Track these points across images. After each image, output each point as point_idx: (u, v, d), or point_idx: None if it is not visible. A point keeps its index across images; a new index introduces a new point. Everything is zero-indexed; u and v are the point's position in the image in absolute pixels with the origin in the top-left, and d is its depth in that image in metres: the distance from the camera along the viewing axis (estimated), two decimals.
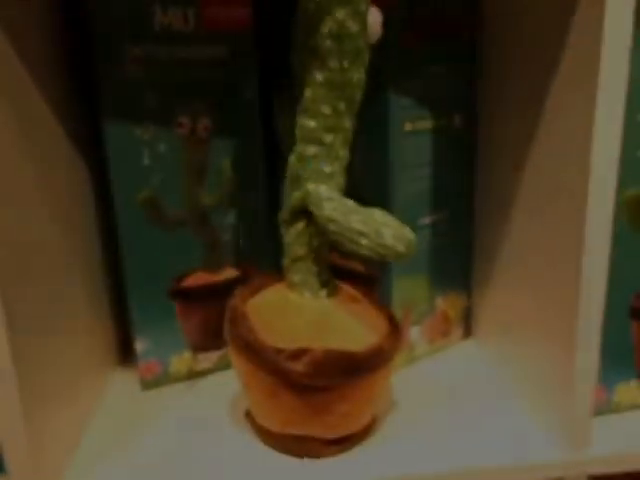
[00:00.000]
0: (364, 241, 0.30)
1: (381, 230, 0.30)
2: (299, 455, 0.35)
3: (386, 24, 0.38)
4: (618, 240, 0.34)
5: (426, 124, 0.41)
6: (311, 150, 0.33)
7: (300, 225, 0.34)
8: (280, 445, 0.36)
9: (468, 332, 0.50)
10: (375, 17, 0.32)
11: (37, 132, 0.35)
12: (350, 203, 0.32)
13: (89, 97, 0.44)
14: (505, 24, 0.40)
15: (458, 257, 0.47)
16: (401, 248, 0.29)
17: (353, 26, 0.30)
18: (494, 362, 0.46)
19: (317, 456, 0.35)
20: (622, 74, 0.29)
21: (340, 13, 0.30)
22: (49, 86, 0.37)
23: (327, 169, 0.34)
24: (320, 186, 0.33)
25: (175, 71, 0.40)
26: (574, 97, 0.31)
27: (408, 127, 0.40)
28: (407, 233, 0.30)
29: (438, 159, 0.43)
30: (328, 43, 0.31)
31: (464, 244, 0.47)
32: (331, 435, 0.35)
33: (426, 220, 0.44)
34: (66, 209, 0.39)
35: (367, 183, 0.43)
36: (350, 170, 0.42)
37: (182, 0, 0.39)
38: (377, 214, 0.31)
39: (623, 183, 0.33)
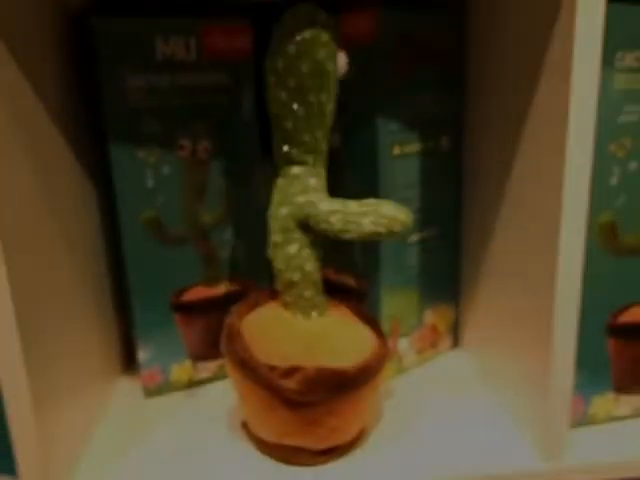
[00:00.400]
0: (367, 219, 0.33)
1: (380, 206, 0.33)
2: (292, 464, 0.37)
3: (375, 55, 0.40)
4: (593, 263, 0.36)
5: (414, 148, 0.44)
6: (296, 170, 0.36)
7: (292, 248, 0.36)
8: (275, 454, 0.38)
9: (456, 343, 0.53)
10: (342, 58, 0.35)
11: (48, 156, 0.37)
12: (341, 199, 0.35)
13: (95, 123, 0.46)
14: (488, 53, 0.42)
15: (446, 272, 0.50)
16: (403, 216, 0.33)
17: (330, 65, 0.33)
18: (480, 373, 0.48)
19: (308, 465, 0.37)
20: (591, 107, 0.31)
21: (320, 54, 0.33)
22: (60, 114, 0.39)
23: (312, 182, 0.36)
24: (310, 195, 0.36)
25: (176, 97, 0.42)
26: (548, 125, 0.34)
27: (397, 151, 0.42)
28: (403, 207, 0.33)
29: (426, 180, 0.45)
30: (309, 81, 0.33)
31: (452, 259, 0.50)
32: (321, 446, 0.37)
33: (415, 237, 0.46)
34: (75, 228, 0.41)
35: None
36: (343, 191, 0.44)
37: (184, 30, 0.41)
38: (370, 199, 0.34)
39: (596, 209, 0.35)
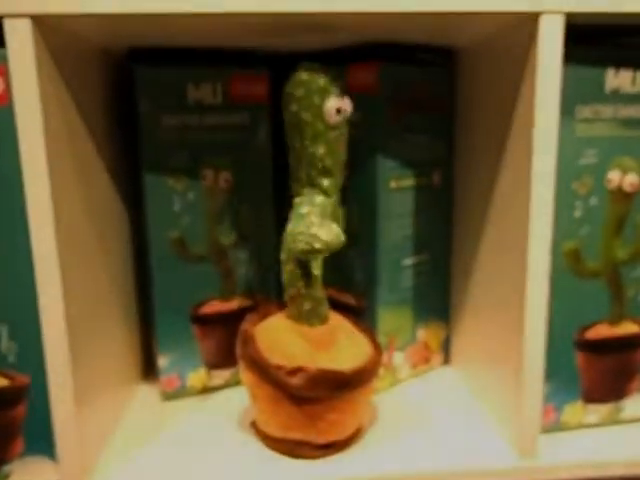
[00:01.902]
0: (301, 237, 0.38)
1: (315, 227, 0.38)
2: (295, 457, 0.42)
3: (377, 102, 0.46)
4: (561, 285, 0.42)
5: (409, 182, 0.50)
6: (296, 200, 0.42)
7: (290, 267, 0.42)
8: (280, 448, 0.43)
9: (447, 359, 0.58)
10: (331, 105, 0.39)
11: (93, 183, 0.43)
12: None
13: (131, 155, 0.53)
14: (472, 102, 0.48)
15: (438, 293, 0.55)
16: (324, 236, 0.38)
17: (307, 116, 0.39)
18: (468, 386, 0.53)
19: (309, 458, 0.42)
20: (552, 152, 0.37)
21: (293, 107, 0.40)
22: (103, 147, 0.46)
23: (303, 211, 0.41)
24: (298, 221, 0.41)
25: (203, 134, 0.49)
26: (518, 166, 0.39)
27: (393, 185, 0.49)
28: (336, 230, 0.38)
29: (419, 211, 0.51)
30: (289, 128, 0.41)
31: (443, 282, 0.55)
32: (322, 440, 0.42)
33: (409, 261, 0.52)
34: (111, 245, 0.47)
35: (360, 229, 0.51)
36: (348, 219, 0.51)
37: (212, 78, 0.48)
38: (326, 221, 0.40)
39: (563, 237, 0.41)
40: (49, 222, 0.35)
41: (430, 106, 0.51)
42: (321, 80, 0.39)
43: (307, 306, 0.42)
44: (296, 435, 0.41)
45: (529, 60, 0.36)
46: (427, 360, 0.56)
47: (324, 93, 0.39)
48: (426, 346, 0.55)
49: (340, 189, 0.43)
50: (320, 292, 0.43)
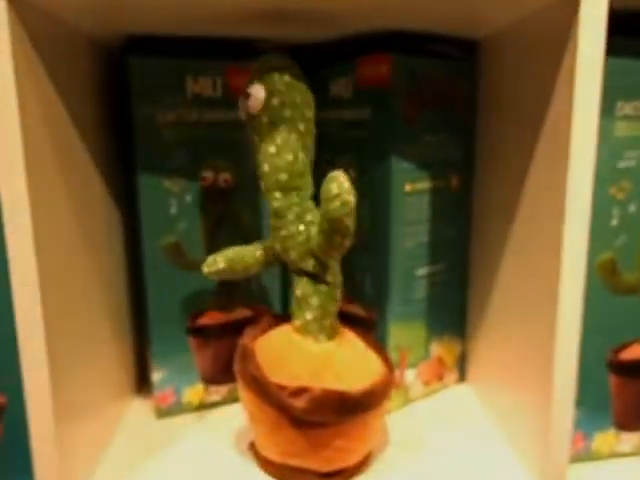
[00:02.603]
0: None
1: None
2: None
3: (389, 98, 0.43)
4: (594, 300, 0.38)
5: (424, 185, 0.46)
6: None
7: (303, 280, 0.38)
8: (280, 475, 0.39)
9: (462, 376, 0.54)
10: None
11: (81, 182, 0.40)
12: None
13: (123, 153, 0.49)
14: (496, 99, 0.44)
15: (453, 306, 0.51)
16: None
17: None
18: (485, 406, 0.49)
19: None
20: (590, 154, 0.33)
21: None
22: (93, 144, 0.42)
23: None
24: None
25: (203, 131, 0.45)
26: (550, 168, 0.36)
27: (408, 188, 0.45)
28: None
29: (435, 216, 0.47)
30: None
31: (459, 294, 0.51)
32: (326, 468, 0.38)
33: (424, 271, 0.48)
34: (102, 251, 0.43)
35: (371, 236, 0.47)
36: (357, 224, 0.47)
37: (212, 70, 0.45)
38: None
39: (597, 248, 0.37)
40: (26, 225, 0.31)
41: (449, 103, 0.47)
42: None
43: (317, 318, 0.38)
44: (298, 462, 0.38)
45: (567, 48, 0.32)
46: (441, 377, 0.52)
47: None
48: (440, 362, 0.51)
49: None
50: (332, 304, 0.39)
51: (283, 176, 0.37)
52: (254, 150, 0.39)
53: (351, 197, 0.34)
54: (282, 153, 0.37)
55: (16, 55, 0.30)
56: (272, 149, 0.37)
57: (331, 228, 0.35)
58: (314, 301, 0.38)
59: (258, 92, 0.36)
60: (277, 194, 0.38)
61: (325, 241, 0.36)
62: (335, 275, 0.39)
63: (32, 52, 0.32)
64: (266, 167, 0.38)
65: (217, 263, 0.40)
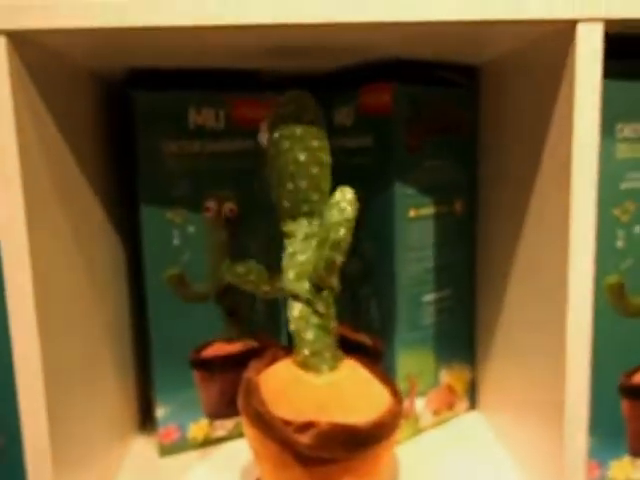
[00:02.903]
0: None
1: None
2: None
3: (392, 125, 0.43)
4: (604, 324, 0.37)
5: (429, 210, 0.46)
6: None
7: (296, 311, 0.38)
8: None
9: (473, 404, 0.52)
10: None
11: (82, 214, 0.39)
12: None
13: (126, 184, 0.49)
14: (498, 125, 0.45)
15: (461, 332, 0.50)
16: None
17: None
18: (496, 436, 0.48)
19: None
20: (592, 176, 0.32)
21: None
22: (95, 176, 0.42)
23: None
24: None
25: (206, 162, 0.45)
26: (553, 193, 0.35)
27: (412, 214, 0.44)
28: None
29: (440, 242, 0.47)
30: None
31: (466, 320, 0.51)
32: None
33: (430, 297, 0.47)
34: (103, 284, 0.43)
35: (376, 263, 0.46)
36: (362, 252, 0.46)
37: (214, 102, 0.45)
38: None
39: (604, 271, 0.37)
40: (25, 262, 0.31)
41: (451, 129, 0.47)
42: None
43: (316, 351, 0.38)
44: None
45: (565, 74, 0.32)
46: (451, 406, 0.51)
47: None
48: (450, 390, 0.50)
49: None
50: (327, 336, 0.38)
51: (286, 203, 0.38)
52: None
53: (350, 206, 0.34)
54: (283, 182, 0.37)
55: (15, 91, 0.30)
56: (274, 178, 0.38)
57: (326, 238, 0.35)
58: (309, 335, 0.38)
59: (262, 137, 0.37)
60: (286, 219, 0.39)
61: (319, 254, 0.36)
62: (328, 306, 0.38)
63: (32, 87, 0.32)
64: (273, 195, 0.39)
65: (236, 267, 0.41)
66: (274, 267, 0.47)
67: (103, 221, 0.44)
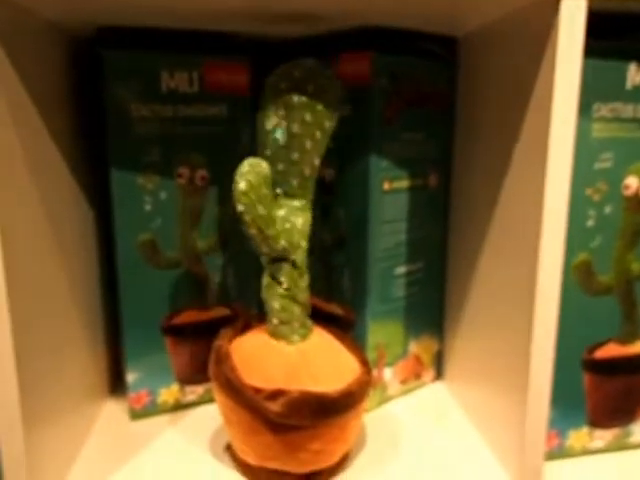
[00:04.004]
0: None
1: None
2: None
3: (369, 96, 0.42)
4: (570, 300, 0.38)
5: (403, 184, 0.46)
6: None
7: (267, 273, 0.38)
8: (257, 478, 0.39)
9: (439, 375, 0.54)
10: None
11: (50, 178, 0.38)
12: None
13: (96, 149, 0.48)
14: (475, 99, 0.44)
15: (431, 304, 0.51)
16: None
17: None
18: (461, 405, 0.49)
19: None
20: (568, 155, 0.33)
21: None
22: (63, 139, 0.41)
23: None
24: None
25: (178, 127, 0.44)
26: (528, 170, 0.36)
27: (386, 186, 0.44)
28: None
29: (414, 215, 0.47)
30: None
31: (436, 293, 0.51)
32: (304, 470, 0.38)
33: (402, 269, 0.48)
34: (72, 249, 0.42)
35: (350, 235, 0.46)
36: (336, 223, 0.46)
37: (188, 64, 0.43)
38: None
39: (573, 249, 0.37)
40: None
41: (429, 101, 0.46)
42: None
43: (285, 320, 0.38)
44: (275, 465, 0.37)
45: (546, 49, 0.32)
46: (418, 376, 0.52)
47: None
48: (417, 360, 0.51)
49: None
50: (294, 306, 0.38)
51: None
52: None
53: (241, 180, 0.35)
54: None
55: None
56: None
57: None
58: (276, 305, 0.38)
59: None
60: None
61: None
62: (290, 279, 0.38)
63: None
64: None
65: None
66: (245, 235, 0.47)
67: (72, 186, 0.43)
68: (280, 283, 0.38)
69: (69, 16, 0.38)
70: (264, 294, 0.38)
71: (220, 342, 0.39)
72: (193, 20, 0.40)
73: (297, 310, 0.38)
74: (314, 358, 0.38)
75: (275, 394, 0.35)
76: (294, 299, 0.38)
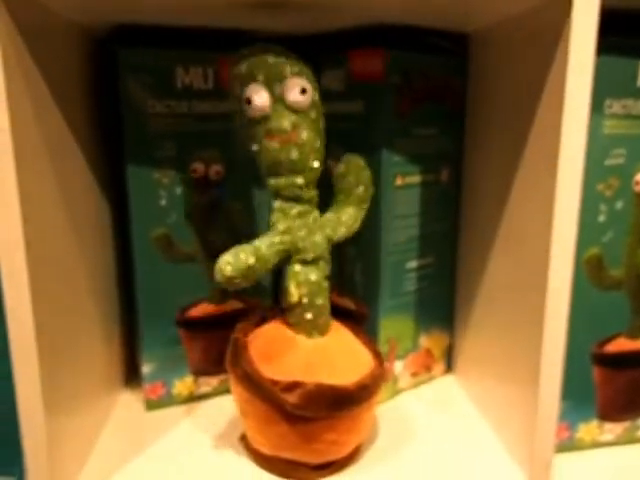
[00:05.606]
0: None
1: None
2: (289, 478, 0.39)
3: (382, 92, 0.43)
4: (581, 295, 0.39)
5: (415, 179, 0.46)
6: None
7: (293, 271, 0.39)
8: (271, 468, 0.39)
9: (449, 368, 0.54)
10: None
11: (69, 173, 0.39)
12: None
13: (113, 144, 0.48)
14: (487, 94, 0.45)
15: (441, 298, 0.52)
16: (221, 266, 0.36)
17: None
18: (471, 397, 0.50)
19: (305, 479, 0.39)
20: (580, 151, 0.33)
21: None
22: (81, 134, 0.41)
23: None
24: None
25: (193, 123, 0.45)
26: (540, 165, 0.36)
27: (399, 182, 0.45)
28: (233, 257, 0.36)
29: (425, 210, 0.47)
30: None
31: (447, 287, 0.52)
32: (318, 461, 0.38)
33: (413, 264, 0.48)
34: (90, 242, 0.43)
35: (362, 229, 0.47)
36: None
37: (203, 61, 0.44)
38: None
39: (584, 244, 0.38)
40: (15, 215, 0.31)
41: (440, 97, 0.47)
42: (243, 67, 0.36)
43: (309, 316, 0.39)
44: (290, 455, 0.38)
45: (558, 47, 0.32)
46: (429, 369, 0.52)
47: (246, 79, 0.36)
48: (428, 354, 0.52)
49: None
50: (324, 302, 0.39)
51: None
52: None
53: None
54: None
55: (5, 45, 0.30)
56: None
57: None
58: (319, 301, 0.39)
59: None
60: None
61: None
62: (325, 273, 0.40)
63: (21, 42, 0.32)
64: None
65: (248, 258, 0.37)
66: (259, 230, 0.47)
67: (90, 180, 0.44)
68: (325, 278, 0.39)
69: (89, 16, 0.39)
70: (309, 289, 0.39)
71: (237, 335, 0.39)
72: (206, 16, 0.40)
73: (328, 306, 0.39)
74: (330, 351, 0.39)
75: (291, 386, 0.35)
76: (326, 295, 0.39)
